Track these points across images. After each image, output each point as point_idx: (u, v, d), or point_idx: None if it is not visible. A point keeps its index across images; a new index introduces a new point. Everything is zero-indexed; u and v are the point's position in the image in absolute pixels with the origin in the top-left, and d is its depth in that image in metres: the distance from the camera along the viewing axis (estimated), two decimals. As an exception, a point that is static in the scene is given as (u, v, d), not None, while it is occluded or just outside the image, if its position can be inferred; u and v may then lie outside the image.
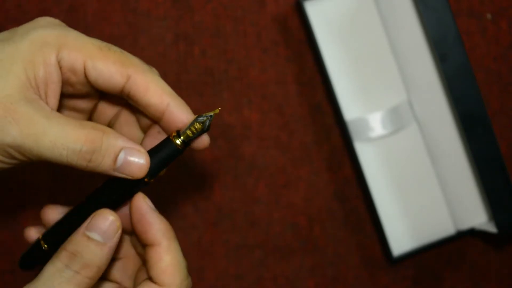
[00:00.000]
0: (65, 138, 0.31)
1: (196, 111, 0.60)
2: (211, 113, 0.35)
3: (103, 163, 0.33)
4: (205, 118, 0.34)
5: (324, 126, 0.62)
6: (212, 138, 0.60)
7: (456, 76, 0.54)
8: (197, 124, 0.34)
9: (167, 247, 0.35)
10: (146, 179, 0.34)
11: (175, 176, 0.60)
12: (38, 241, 0.37)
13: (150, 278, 0.35)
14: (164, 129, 0.36)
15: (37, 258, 0.37)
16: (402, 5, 0.58)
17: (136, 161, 0.33)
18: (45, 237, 0.37)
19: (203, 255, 0.60)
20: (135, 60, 0.35)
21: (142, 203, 0.36)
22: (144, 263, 0.40)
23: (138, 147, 0.34)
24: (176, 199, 0.60)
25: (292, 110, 0.61)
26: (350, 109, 0.60)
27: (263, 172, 0.61)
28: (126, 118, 0.39)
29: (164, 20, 0.60)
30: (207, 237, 0.60)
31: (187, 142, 0.35)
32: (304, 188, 0.61)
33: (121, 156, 0.33)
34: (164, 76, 0.60)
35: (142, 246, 0.38)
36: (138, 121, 0.39)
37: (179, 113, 0.35)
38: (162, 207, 0.56)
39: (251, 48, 0.60)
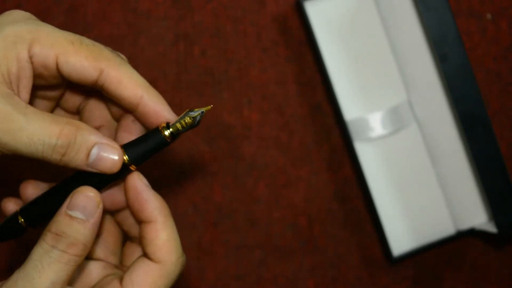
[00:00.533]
0: (42, 134, 0.32)
1: (196, 111, 0.60)
2: (203, 109, 0.34)
3: (76, 158, 0.33)
4: (196, 114, 0.34)
5: (324, 126, 0.62)
6: (212, 138, 0.60)
7: (456, 76, 0.54)
8: (188, 118, 0.34)
9: (164, 224, 0.36)
10: (131, 167, 0.35)
11: (174, 176, 0.60)
12: (15, 215, 0.37)
13: (146, 255, 0.36)
14: (139, 119, 0.37)
15: (13, 231, 0.37)
16: (402, 5, 0.59)
17: (109, 156, 0.34)
18: (23, 211, 0.37)
19: (203, 255, 0.60)
20: (107, 53, 0.35)
21: (137, 181, 0.36)
22: (130, 239, 0.40)
23: (112, 142, 0.34)
24: (176, 199, 0.60)
25: (292, 110, 0.61)
26: (350, 109, 0.60)
27: (263, 172, 0.61)
28: (96, 102, 0.39)
29: (164, 20, 0.60)
30: (207, 237, 0.60)
31: (175, 135, 0.34)
32: (304, 188, 0.61)
33: (94, 151, 0.33)
34: (164, 76, 0.60)
35: (137, 223, 0.38)
36: (108, 108, 0.39)
37: (153, 105, 0.35)
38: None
39: (251, 48, 0.60)
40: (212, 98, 0.60)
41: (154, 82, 0.60)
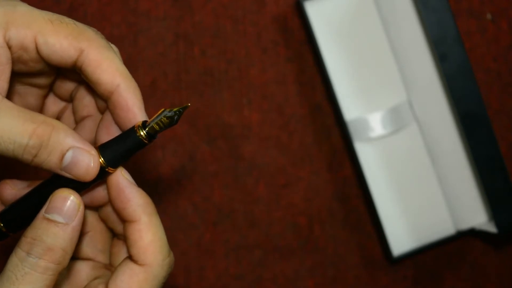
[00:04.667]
0: (13, 132, 0.30)
1: (196, 111, 0.60)
2: (180, 109, 0.32)
3: (48, 160, 0.31)
4: (173, 114, 0.32)
5: (324, 126, 0.62)
6: (212, 138, 0.60)
7: (456, 76, 0.54)
8: (164, 118, 0.32)
9: (148, 224, 0.33)
10: (107, 169, 0.33)
11: (174, 176, 0.60)
12: None
13: (130, 257, 0.33)
14: (111, 110, 0.34)
15: None
16: (402, 5, 0.58)
17: (83, 162, 0.31)
18: (2, 216, 0.35)
19: (203, 255, 0.60)
20: (90, 33, 0.32)
21: (120, 177, 0.33)
22: (117, 237, 0.38)
23: (88, 147, 0.31)
24: (176, 199, 0.60)
25: (292, 110, 0.61)
26: (350, 109, 0.60)
27: (263, 172, 0.61)
28: (87, 89, 0.37)
29: (164, 20, 0.60)
30: (207, 237, 0.60)
31: (153, 135, 0.32)
32: (304, 188, 0.61)
33: (69, 155, 0.31)
34: (164, 76, 0.60)
35: (121, 222, 0.36)
36: (95, 101, 0.37)
37: (127, 96, 0.33)
38: (162, 207, 0.56)
39: (251, 48, 0.60)
40: (212, 98, 0.60)
41: (154, 82, 0.60)
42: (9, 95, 0.32)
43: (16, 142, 0.30)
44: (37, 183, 0.36)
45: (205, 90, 0.60)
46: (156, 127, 0.32)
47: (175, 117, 0.32)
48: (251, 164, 0.61)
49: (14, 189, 0.36)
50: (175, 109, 0.32)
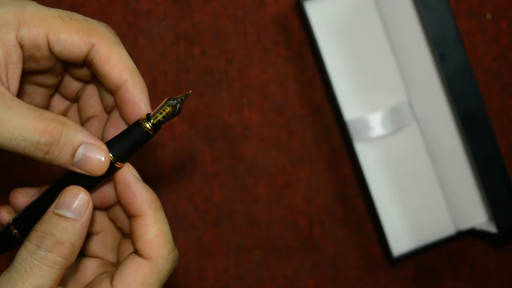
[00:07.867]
0: (24, 129, 0.30)
1: (196, 111, 0.60)
2: (182, 96, 0.33)
3: (61, 157, 0.32)
4: (175, 102, 0.33)
5: (324, 126, 0.62)
6: (212, 138, 0.60)
7: (456, 76, 0.55)
8: (167, 107, 0.33)
9: (153, 218, 0.34)
10: (116, 164, 0.34)
11: (174, 176, 0.60)
12: (8, 226, 0.36)
13: (136, 251, 0.34)
14: (117, 105, 0.35)
15: (9, 243, 0.36)
16: (402, 5, 0.59)
17: (95, 157, 0.32)
18: (16, 222, 0.35)
19: (203, 255, 0.60)
20: (100, 28, 0.33)
21: (127, 173, 0.34)
22: (124, 236, 0.39)
23: (99, 143, 0.32)
24: (176, 199, 0.60)
25: (292, 110, 0.61)
26: (350, 109, 0.60)
27: (263, 172, 0.61)
28: (92, 90, 0.38)
29: (164, 20, 0.60)
30: (207, 237, 0.60)
31: (158, 126, 0.33)
32: (304, 188, 0.61)
33: (80, 151, 0.32)
34: (164, 76, 0.60)
35: (127, 217, 0.36)
36: (102, 100, 0.38)
37: (134, 92, 0.34)
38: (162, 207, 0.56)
39: (251, 48, 0.60)
40: (212, 98, 0.60)
41: (154, 82, 0.60)
42: (17, 95, 0.33)
43: (27, 139, 0.30)
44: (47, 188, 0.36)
45: (205, 90, 0.60)
46: (160, 116, 0.33)
47: (178, 105, 0.33)
48: (251, 164, 0.61)
49: (26, 197, 0.37)
50: (177, 97, 0.33)
